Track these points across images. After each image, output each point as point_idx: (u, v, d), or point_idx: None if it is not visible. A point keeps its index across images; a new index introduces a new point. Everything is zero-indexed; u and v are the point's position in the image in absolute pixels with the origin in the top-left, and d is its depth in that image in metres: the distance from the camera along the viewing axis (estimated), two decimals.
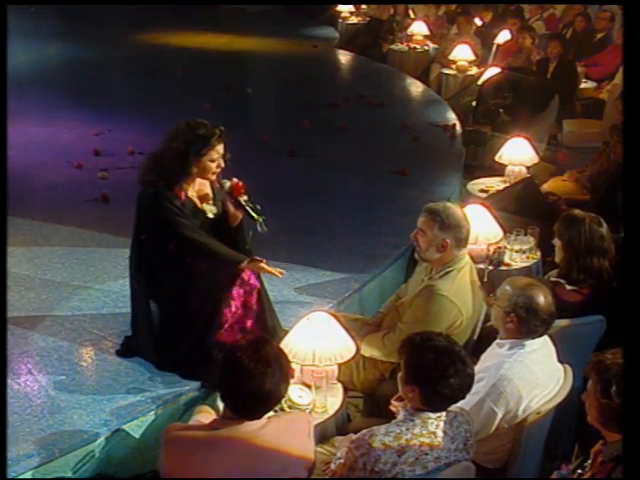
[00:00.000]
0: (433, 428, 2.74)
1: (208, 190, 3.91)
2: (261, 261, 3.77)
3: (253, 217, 3.81)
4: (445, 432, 2.75)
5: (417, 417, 2.75)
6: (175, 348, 3.84)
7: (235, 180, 3.84)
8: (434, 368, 2.72)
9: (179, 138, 3.75)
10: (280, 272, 3.82)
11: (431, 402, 2.75)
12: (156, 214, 3.77)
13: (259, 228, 3.80)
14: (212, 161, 3.76)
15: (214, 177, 3.84)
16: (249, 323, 3.91)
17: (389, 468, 2.68)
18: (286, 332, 3.61)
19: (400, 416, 2.82)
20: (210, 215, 3.88)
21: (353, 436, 2.88)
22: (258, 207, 3.84)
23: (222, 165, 3.80)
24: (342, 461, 2.84)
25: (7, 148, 6.63)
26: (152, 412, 3.63)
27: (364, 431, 2.78)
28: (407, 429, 2.73)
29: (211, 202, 3.91)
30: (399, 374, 2.88)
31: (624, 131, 3.39)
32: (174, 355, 3.84)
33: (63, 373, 3.85)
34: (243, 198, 3.83)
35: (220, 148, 3.78)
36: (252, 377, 2.57)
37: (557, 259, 4.07)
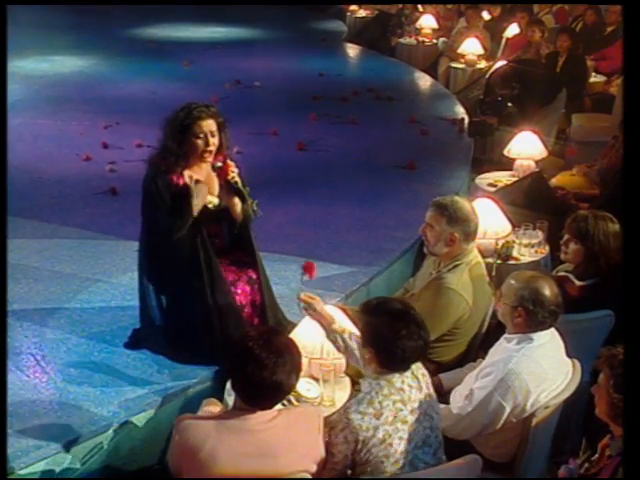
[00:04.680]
0: (399, 385, 2.83)
1: (214, 182, 3.85)
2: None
3: (244, 199, 3.74)
4: (410, 386, 2.86)
5: (382, 379, 2.84)
6: (185, 339, 3.85)
7: (228, 162, 3.75)
8: (388, 330, 2.82)
9: (173, 112, 3.73)
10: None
11: (386, 363, 2.85)
12: (147, 194, 3.75)
13: (250, 211, 3.75)
14: (197, 137, 3.67)
15: (209, 159, 3.75)
16: (256, 321, 3.92)
17: (372, 433, 2.75)
18: (294, 325, 3.61)
19: (365, 386, 2.89)
20: (210, 206, 3.81)
21: None
22: (247, 189, 3.75)
23: (212, 144, 3.70)
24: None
25: (15, 141, 6.69)
26: (160, 404, 3.64)
27: (336, 412, 2.90)
28: (376, 393, 2.81)
29: (215, 194, 3.85)
30: (359, 337, 2.98)
31: (624, 127, 3.36)
32: (184, 345, 3.85)
33: (71, 365, 3.86)
34: (233, 179, 3.72)
35: (205, 124, 3.67)
36: (264, 367, 2.59)
37: (570, 257, 4.03)
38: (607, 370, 2.60)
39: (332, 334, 3.28)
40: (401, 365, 2.86)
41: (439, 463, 2.90)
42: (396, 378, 2.85)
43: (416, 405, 2.84)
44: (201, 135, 3.68)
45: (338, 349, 3.28)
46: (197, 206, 3.69)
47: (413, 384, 2.87)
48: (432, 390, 2.97)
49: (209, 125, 3.69)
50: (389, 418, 2.78)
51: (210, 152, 3.73)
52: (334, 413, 3.08)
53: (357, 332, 3.13)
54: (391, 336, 2.81)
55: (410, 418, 2.81)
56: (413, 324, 2.85)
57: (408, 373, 2.88)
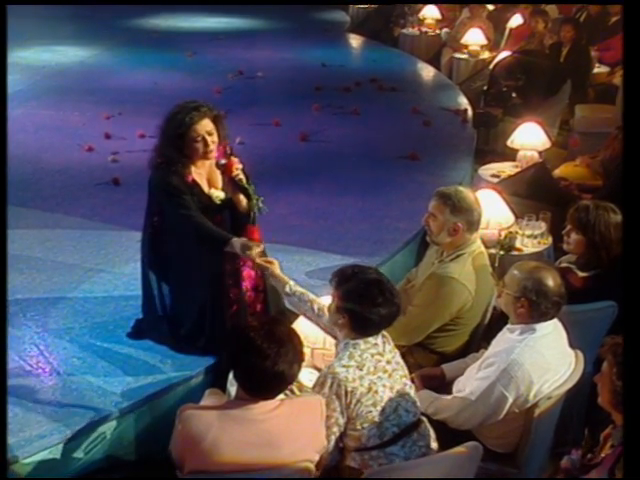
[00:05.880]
0: (374, 340, 2.99)
1: (218, 175, 3.83)
2: (250, 248, 3.57)
3: (249, 196, 3.72)
4: (382, 341, 3.02)
5: (358, 339, 2.97)
6: (188, 328, 3.86)
7: (232, 158, 3.71)
8: (364, 297, 2.94)
9: (165, 122, 3.69)
10: (269, 262, 3.58)
11: (360, 329, 2.97)
12: (163, 194, 3.73)
13: (255, 209, 3.73)
14: (195, 141, 3.62)
15: (212, 157, 3.70)
16: (259, 307, 3.92)
17: (359, 383, 2.88)
18: (296, 315, 3.61)
19: (341, 347, 3.02)
20: (217, 201, 3.78)
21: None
22: (252, 187, 3.72)
23: (212, 142, 3.64)
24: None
25: (17, 131, 6.69)
26: (163, 394, 3.65)
27: (320, 375, 2.97)
28: (354, 348, 2.96)
29: (220, 187, 3.83)
30: (329, 305, 3.10)
31: (623, 117, 3.32)
32: (187, 335, 3.86)
33: (74, 355, 3.87)
34: (237, 177, 3.69)
35: (200, 127, 3.60)
36: (266, 357, 2.59)
37: (572, 247, 4.02)
38: (611, 358, 2.60)
39: (287, 296, 3.43)
40: (374, 331, 2.99)
41: (417, 412, 3.04)
42: (370, 337, 2.98)
43: (390, 356, 3.00)
44: (199, 138, 3.62)
45: (293, 305, 3.42)
46: (233, 249, 3.62)
47: (382, 338, 3.03)
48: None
49: (204, 126, 3.63)
50: (371, 368, 2.92)
51: (212, 151, 3.68)
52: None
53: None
54: (367, 304, 2.92)
55: (388, 368, 2.97)
56: (388, 292, 2.97)
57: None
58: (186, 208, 3.68)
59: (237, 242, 3.60)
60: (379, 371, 2.94)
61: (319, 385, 2.91)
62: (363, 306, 2.93)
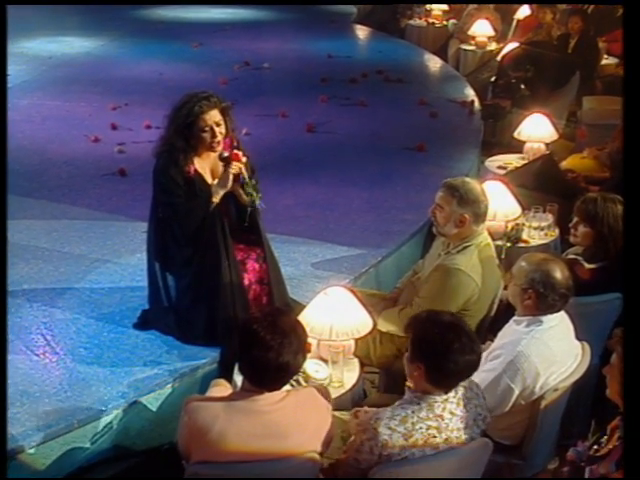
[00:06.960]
0: (439, 411, 2.69)
1: (221, 165, 3.80)
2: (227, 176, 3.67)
3: (247, 192, 3.71)
4: (452, 413, 2.70)
5: (423, 401, 2.69)
6: (193, 320, 3.86)
7: (235, 151, 3.69)
8: (439, 342, 2.65)
9: (174, 110, 3.68)
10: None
11: (436, 379, 2.68)
12: (155, 181, 3.74)
13: (252, 205, 3.72)
14: (203, 131, 3.62)
15: (218, 148, 3.70)
16: (264, 300, 3.91)
17: (398, 452, 2.65)
18: (303, 307, 3.61)
19: (406, 396, 2.76)
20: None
21: (367, 410, 2.89)
22: (253, 182, 3.71)
23: (219, 133, 3.64)
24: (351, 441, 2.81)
25: (24, 122, 6.70)
26: (169, 385, 3.65)
27: (370, 414, 2.75)
28: (413, 412, 2.68)
29: None
30: (405, 354, 2.80)
31: (623, 109, 3.28)
32: (193, 327, 3.86)
33: (81, 345, 3.87)
34: (234, 171, 3.66)
35: (208, 117, 3.61)
36: (269, 348, 2.58)
37: (580, 240, 4.01)
38: (620, 350, 2.59)
39: None
40: (451, 381, 2.70)
41: None
42: (438, 403, 2.69)
43: (453, 435, 2.69)
44: (207, 129, 3.63)
45: None
46: (218, 194, 3.67)
47: (456, 412, 2.71)
48: (484, 425, 2.81)
49: (213, 116, 3.63)
50: (419, 442, 2.65)
51: (218, 142, 3.68)
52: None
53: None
54: (443, 349, 2.64)
55: (442, 446, 2.68)
56: (465, 336, 2.68)
57: (453, 399, 2.72)
58: (168, 195, 3.68)
59: (216, 183, 3.67)
60: (427, 447, 2.65)
61: (360, 428, 2.72)
62: (438, 352, 2.64)
